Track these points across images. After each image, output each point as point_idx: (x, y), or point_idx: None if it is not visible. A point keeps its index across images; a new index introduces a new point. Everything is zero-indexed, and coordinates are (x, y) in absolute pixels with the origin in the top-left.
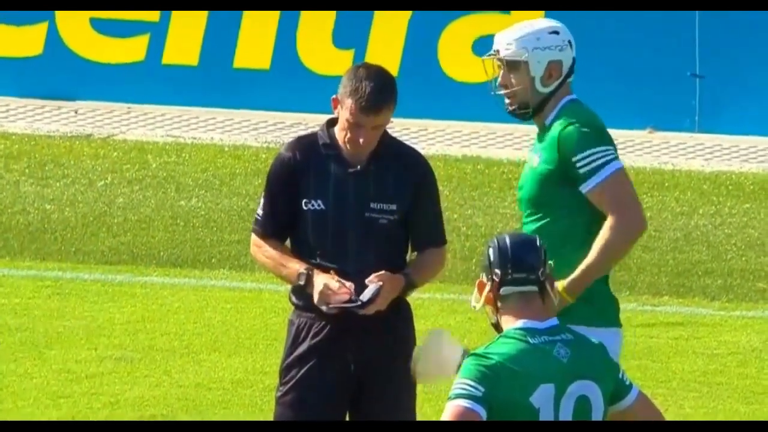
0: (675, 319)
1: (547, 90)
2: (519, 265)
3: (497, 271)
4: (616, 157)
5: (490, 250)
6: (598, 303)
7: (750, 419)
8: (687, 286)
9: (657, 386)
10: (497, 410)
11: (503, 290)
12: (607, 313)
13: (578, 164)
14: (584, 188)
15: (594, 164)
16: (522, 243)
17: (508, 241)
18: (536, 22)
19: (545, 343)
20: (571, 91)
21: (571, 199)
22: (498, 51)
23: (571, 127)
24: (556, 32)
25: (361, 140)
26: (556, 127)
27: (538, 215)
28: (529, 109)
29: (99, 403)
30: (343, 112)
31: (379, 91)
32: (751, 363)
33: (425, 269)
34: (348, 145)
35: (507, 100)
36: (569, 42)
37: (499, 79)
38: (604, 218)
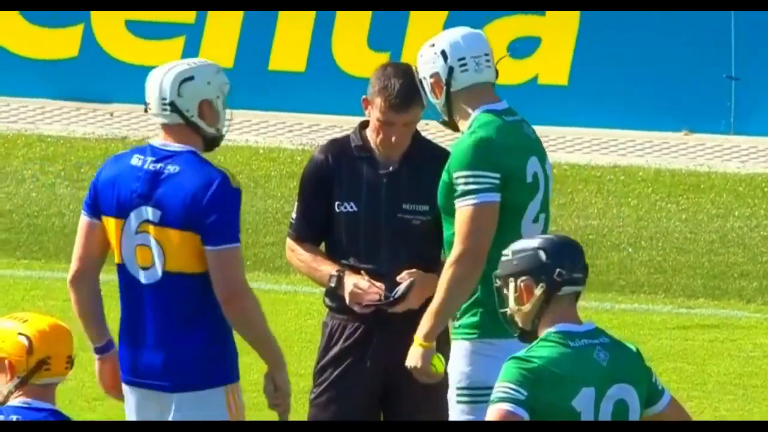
0: (710, 321)
1: (440, 102)
2: (578, 264)
3: (559, 270)
4: (492, 188)
5: (540, 252)
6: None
7: None
8: (722, 289)
9: (692, 389)
10: (539, 414)
11: (564, 290)
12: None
13: (457, 180)
14: (456, 205)
15: (467, 187)
16: (570, 243)
17: (557, 241)
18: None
19: (585, 347)
20: (494, 98)
21: None
22: None
23: (465, 142)
24: (432, 44)
25: (393, 139)
26: (460, 138)
27: (447, 223)
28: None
29: None
30: (374, 112)
31: (408, 88)
32: None
33: None
34: (381, 146)
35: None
36: (442, 51)
37: None
38: (506, 232)
